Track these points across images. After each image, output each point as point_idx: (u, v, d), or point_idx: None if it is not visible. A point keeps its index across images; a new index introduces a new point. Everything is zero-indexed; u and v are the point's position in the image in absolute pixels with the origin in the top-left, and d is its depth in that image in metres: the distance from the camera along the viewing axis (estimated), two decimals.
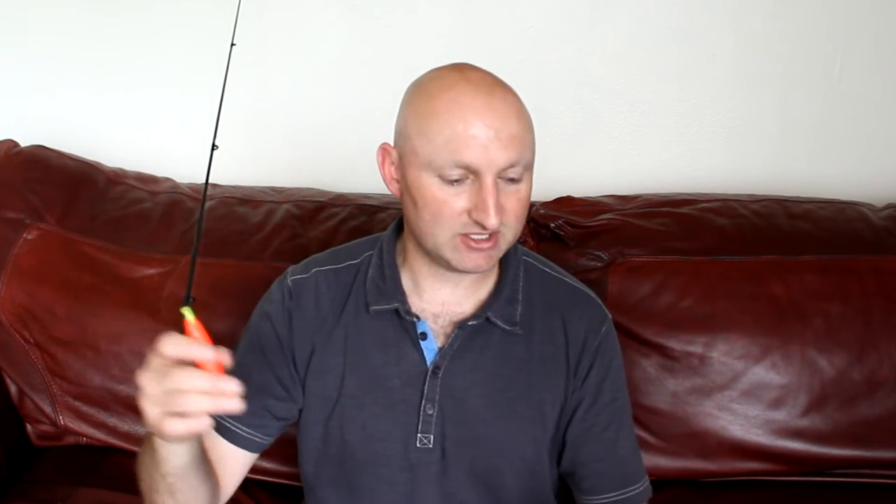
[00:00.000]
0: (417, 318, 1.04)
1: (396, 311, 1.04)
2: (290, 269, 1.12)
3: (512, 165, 0.94)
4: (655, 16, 1.59)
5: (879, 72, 1.61)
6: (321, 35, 1.64)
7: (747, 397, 1.34)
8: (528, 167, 0.97)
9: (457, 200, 0.94)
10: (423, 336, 1.05)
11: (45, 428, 1.46)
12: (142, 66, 1.67)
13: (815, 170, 1.65)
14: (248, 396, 1.02)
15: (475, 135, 0.92)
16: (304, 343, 1.07)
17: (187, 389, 0.79)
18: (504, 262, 1.08)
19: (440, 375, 1.04)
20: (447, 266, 0.99)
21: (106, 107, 1.70)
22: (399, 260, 1.07)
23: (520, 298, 1.07)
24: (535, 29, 1.61)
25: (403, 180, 0.99)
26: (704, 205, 1.45)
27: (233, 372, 1.06)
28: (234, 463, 1.08)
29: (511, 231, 0.98)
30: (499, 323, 1.05)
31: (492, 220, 0.92)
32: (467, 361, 1.05)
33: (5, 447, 1.42)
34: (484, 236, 0.95)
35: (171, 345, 0.80)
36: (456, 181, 0.93)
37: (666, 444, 1.36)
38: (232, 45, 1.26)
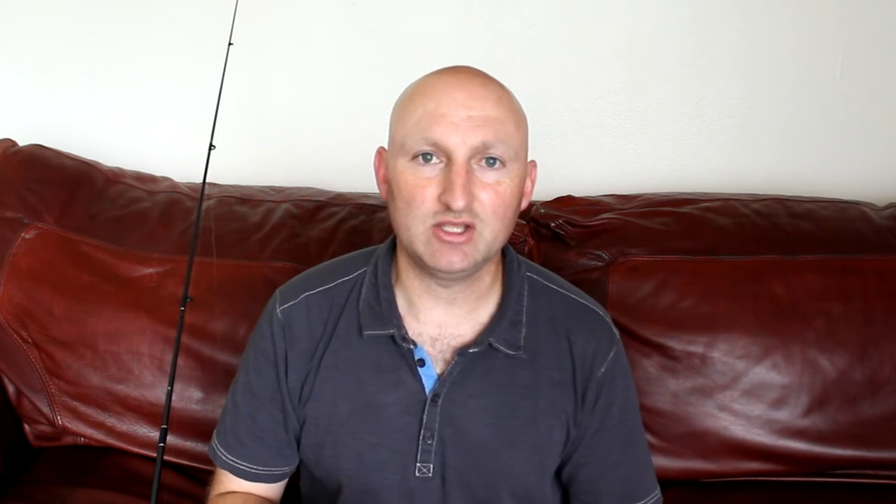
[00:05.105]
0: (415, 344, 0.99)
1: (392, 336, 0.99)
2: (279, 293, 1.07)
3: (487, 147, 0.90)
4: (656, 15, 1.59)
5: (882, 71, 1.61)
6: (320, 34, 1.64)
7: (749, 397, 1.33)
8: (512, 159, 0.92)
9: (428, 185, 0.90)
10: (422, 363, 0.99)
11: (43, 428, 1.46)
12: (140, 65, 1.67)
13: (816, 169, 1.64)
14: (261, 437, 1.02)
15: (446, 113, 0.90)
16: (299, 374, 1.03)
17: None
18: (507, 282, 1.03)
19: (440, 403, 0.99)
20: (423, 266, 0.94)
21: (104, 106, 1.69)
22: (394, 278, 1.02)
23: (523, 320, 1.01)
24: (535, 29, 1.61)
25: (388, 177, 0.96)
26: (705, 204, 1.45)
27: (239, 413, 1.06)
28: (272, 493, 1.09)
29: (489, 229, 0.91)
30: (502, 348, 1.00)
31: (458, 201, 0.87)
32: (468, 388, 1.00)
33: (3, 448, 1.41)
34: (456, 229, 0.90)
35: None
36: (426, 157, 0.90)
37: (667, 445, 1.35)
38: (230, 44, 1.26)
